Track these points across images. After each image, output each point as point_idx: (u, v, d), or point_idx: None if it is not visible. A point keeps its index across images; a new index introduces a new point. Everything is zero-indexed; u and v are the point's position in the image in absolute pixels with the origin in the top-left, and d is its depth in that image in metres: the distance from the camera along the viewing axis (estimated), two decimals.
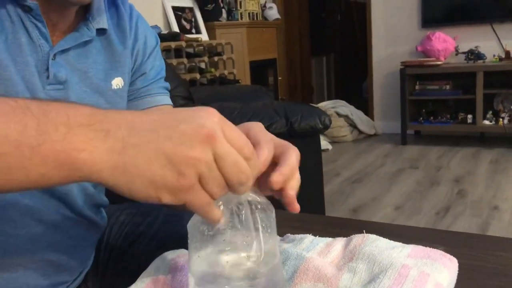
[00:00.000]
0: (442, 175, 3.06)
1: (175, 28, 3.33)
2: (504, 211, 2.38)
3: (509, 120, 3.59)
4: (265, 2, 4.28)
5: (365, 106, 4.55)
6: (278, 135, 1.73)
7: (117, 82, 0.73)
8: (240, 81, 3.59)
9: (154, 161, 0.38)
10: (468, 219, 2.32)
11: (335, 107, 4.24)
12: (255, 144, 0.47)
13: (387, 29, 4.25)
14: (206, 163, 0.39)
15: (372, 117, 4.44)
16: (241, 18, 3.89)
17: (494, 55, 3.73)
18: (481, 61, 3.71)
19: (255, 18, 4.05)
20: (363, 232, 0.66)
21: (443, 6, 3.94)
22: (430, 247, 0.62)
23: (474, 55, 3.74)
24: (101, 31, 0.69)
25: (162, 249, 0.62)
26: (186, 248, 0.48)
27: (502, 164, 3.19)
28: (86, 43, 0.68)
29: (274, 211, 0.48)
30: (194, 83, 3.13)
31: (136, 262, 0.76)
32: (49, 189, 0.64)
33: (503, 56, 3.70)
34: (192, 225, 0.47)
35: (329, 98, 5.96)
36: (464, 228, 2.21)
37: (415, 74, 3.84)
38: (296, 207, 0.50)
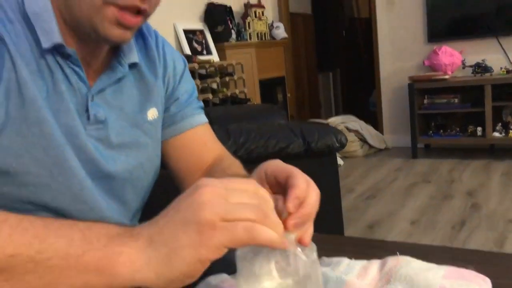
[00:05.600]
0: (455, 188, 3.08)
1: (187, 50, 3.40)
2: None
3: None
4: (272, 21, 4.36)
5: (373, 119, 4.59)
6: (296, 155, 1.78)
7: (152, 113, 0.75)
8: (251, 99, 3.64)
9: (177, 233, 0.42)
10: (484, 233, 2.34)
11: (345, 122, 4.28)
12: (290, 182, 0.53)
13: (393, 44, 4.31)
14: (216, 204, 0.43)
15: (381, 131, 4.48)
16: (250, 38, 3.96)
17: (501, 68, 3.77)
18: (489, 74, 3.76)
19: (263, 38, 4.12)
20: (396, 254, 0.69)
21: (448, 20, 4.00)
22: (461, 267, 0.65)
23: (481, 68, 3.78)
24: (132, 65, 0.71)
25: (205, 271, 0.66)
26: (229, 272, 0.51)
27: None
28: (120, 79, 0.70)
29: (316, 249, 0.52)
30: (207, 103, 3.19)
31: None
32: None
33: (510, 68, 3.74)
34: (242, 256, 0.49)
35: (337, 113, 6.01)
36: (481, 242, 2.23)
37: (423, 89, 3.88)
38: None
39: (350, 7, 6.44)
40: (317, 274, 0.53)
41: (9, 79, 0.58)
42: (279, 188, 0.56)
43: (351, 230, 2.49)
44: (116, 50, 0.69)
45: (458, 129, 3.88)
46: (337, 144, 1.94)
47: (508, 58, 3.82)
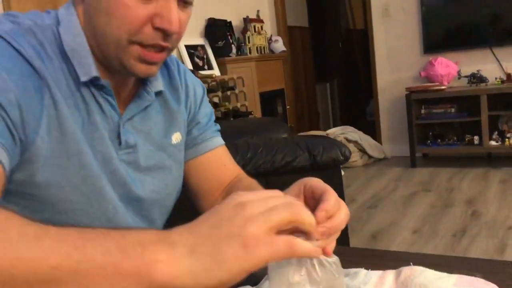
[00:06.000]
0: (455, 197, 3.15)
1: (189, 66, 3.47)
2: None
3: None
4: (271, 35, 4.45)
5: (371, 129, 4.67)
6: (302, 168, 1.86)
7: (176, 137, 0.81)
8: (252, 112, 3.71)
9: (221, 245, 0.45)
10: (484, 241, 2.40)
11: (344, 133, 4.35)
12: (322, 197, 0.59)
13: (390, 56, 4.40)
14: (256, 218, 0.46)
15: (380, 141, 4.55)
16: (250, 52, 4.04)
17: (496, 78, 3.86)
18: (484, 84, 3.84)
19: (263, 52, 4.20)
20: (409, 264, 0.75)
21: (443, 32, 4.09)
22: (470, 275, 0.71)
23: (476, 78, 3.87)
24: (158, 93, 0.77)
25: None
26: (251, 283, 0.56)
27: None
28: (147, 107, 0.76)
29: (340, 263, 0.57)
30: None
31: None
32: None
33: (505, 78, 3.83)
34: (274, 266, 0.55)
35: (335, 123, 6.09)
36: (482, 249, 2.29)
37: (420, 99, 3.96)
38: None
39: (346, 19, 6.55)
40: (342, 284, 0.60)
41: (50, 116, 0.63)
42: (313, 202, 0.62)
43: (355, 240, 2.54)
44: (142, 79, 0.75)
45: (455, 138, 3.96)
46: (342, 157, 2.00)
47: (502, 68, 3.91)
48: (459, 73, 4.01)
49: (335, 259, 0.57)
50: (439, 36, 4.11)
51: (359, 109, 6.42)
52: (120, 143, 0.72)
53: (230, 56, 3.83)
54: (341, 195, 2.12)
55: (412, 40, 4.25)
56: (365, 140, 4.37)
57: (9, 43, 0.61)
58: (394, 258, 0.95)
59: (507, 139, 3.71)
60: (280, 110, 4.52)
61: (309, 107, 5.54)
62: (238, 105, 3.63)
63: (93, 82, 0.68)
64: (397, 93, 4.33)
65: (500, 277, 0.73)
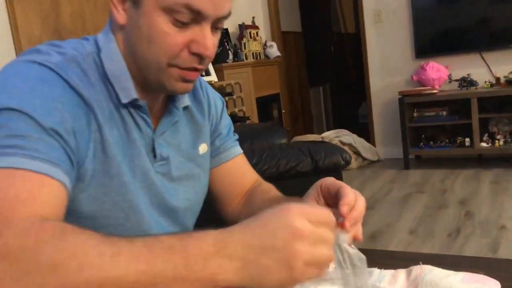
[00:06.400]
0: (448, 197, 3.25)
1: None
2: (511, 230, 2.57)
3: (504, 142, 3.81)
4: (266, 41, 4.53)
5: (364, 131, 4.77)
6: (305, 173, 1.96)
7: (203, 148, 0.89)
8: (250, 117, 3.78)
9: (270, 267, 0.52)
10: (478, 240, 2.49)
11: (338, 136, 4.44)
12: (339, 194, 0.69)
13: (382, 61, 4.51)
14: (306, 253, 0.52)
15: (373, 144, 4.65)
16: (246, 58, 4.11)
17: (485, 82, 3.98)
18: (474, 87, 3.96)
19: (258, 58, 4.28)
20: (418, 263, 0.83)
21: (434, 37, 4.21)
22: (473, 273, 0.79)
23: (466, 82, 3.99)
24: (185, 108, 0.84)
25: None
26: None
27: (502, 184, 3.39)
28: (176, 121, 0.83)
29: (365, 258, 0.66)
30: None
31: None
32: None
33: (494, 82, 3.95)
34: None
35: (328, 126, 6.18)
36: (476, 248, 2.38)
37: (413, 103, 4.07)
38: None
39: (337, 23, 6.66)
40: (367, 284, 0.68)
41: (96, 140, 0.70)
42: (331, 199, 0.74)
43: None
44: (171, 96, 0.82)
45: (447, 140, 4.07)
46: (343, 162, 2.08)
47: (491, 72, 4.03)
48: (449, 77, 4.12)
49: (363, 257, 0.67)
50: (430, 41, 4.22)
51: (352, 111, 6.54)
52: (155, 156, 0.79)
53: (227, 62, 3.90)
54: None
55: (403, 45, 4.36)
56: (359, 142, 4.47)
57: (58, 74, 0.67)
58: (402, 258, 1.03)
59: (497, 141, 3.83)
60: (276, 114, 4.60)
61: (303, 110, 5.63)
62: (236, 110, 3.70)
63: (132, 103, 0.74)
64: (390, 97, 4.44)
65: (501, 274, 0.81)
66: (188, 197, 0.86)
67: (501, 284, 0.75)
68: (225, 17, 0.73)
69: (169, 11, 0.68)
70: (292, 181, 2.01)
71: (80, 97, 0.69)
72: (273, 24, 4.82)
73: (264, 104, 4.30)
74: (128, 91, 0.74)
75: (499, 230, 2.59)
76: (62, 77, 0.67)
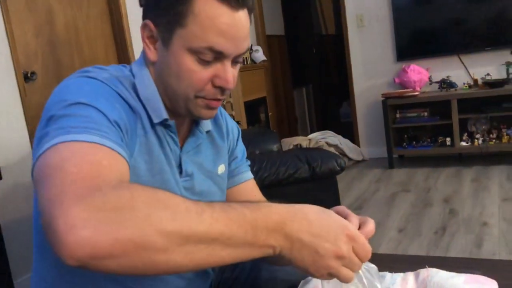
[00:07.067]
0: (432, 196, 3.41)
1: None
2: (493, 226, 2.72)
3: (483, 140, 4.00)
4: (251, 45, 4.61)
5: (346, 130, 4.92)
6: (303, 179, 2.09)
7: (221, 168, 0.99)
8: (240, 122, 3.87)
9: (317, 260, 0.62)
10: (463, 237, 2.64)
11: (324, 138, 4.57)
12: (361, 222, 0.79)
13: (365, 64, 4.65)
14: (347, 256, 0.63)
15: (358, 144, 4.80)
16: None
17: (464, 83, 4.17)
18: (453, 89, 4.14)
19: (246, 62, 4.37)
20: (425, 267, 0.94)
21: (415, 40, 4.37)
22: (473, 274, 0.90)
23: (446, 84, 4.16)
24: (207, 132, 0.95)
25: None
26: None
27: (482, 182, 3.57)
28: (200, 143, 0.94)
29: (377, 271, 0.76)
30: None
31: None
32: None
33: (472, 83, 4.13)
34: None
35: (311, 126, 6.31)
36: (462, 245, 2.53)
37: (395, 104, 4.22)
38: None
39: (318, 25, 6.79)
40: None
41: (141, 143, 0.81)
42: None
43: None
44: (195, 120, 0.92)
45: (429, 140, 4.24)
46: (338, 168, 2.20)
47: (469, 74, 4.22)
48: (430, 79, 4.29)
49: (375, 268, 0.77)
50: (411, 44, 4.39)
51: (334, 111, 6.68)
52: (181, 172, 0.89)
53: None
54: (337, 202, 2.32)
55: (385, 48, 4.52)
56: (345, 143, 4.60)
57: (109, 86, 0.78)
58: (407, 261, 1.14)
59: (476, 140, 4.01)
60: (263, 117, 4.70)
61: (288, 112, 5.75)
62: None
63: (162, 123, 0.85)
64: (373, 98, 4.59)
65: (497, 273, 0.92)
66: None
67: (498, 283, 0.86)
68: (245, 53, 0.83)
69: (194, 52, 0.78)
70: (291, 187, 2.12)
71: (129, 106, 0.79)
72: (258, 28, 4.92)
73: (252, 108, 4.40)
74: (159, 112, 0.84)
75: (482, 226, 2.74)
76: (112, 89, 0.78)
